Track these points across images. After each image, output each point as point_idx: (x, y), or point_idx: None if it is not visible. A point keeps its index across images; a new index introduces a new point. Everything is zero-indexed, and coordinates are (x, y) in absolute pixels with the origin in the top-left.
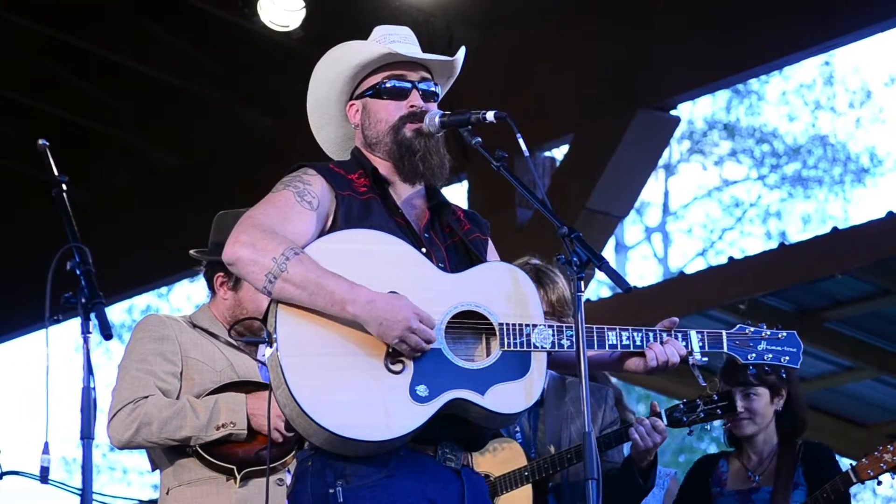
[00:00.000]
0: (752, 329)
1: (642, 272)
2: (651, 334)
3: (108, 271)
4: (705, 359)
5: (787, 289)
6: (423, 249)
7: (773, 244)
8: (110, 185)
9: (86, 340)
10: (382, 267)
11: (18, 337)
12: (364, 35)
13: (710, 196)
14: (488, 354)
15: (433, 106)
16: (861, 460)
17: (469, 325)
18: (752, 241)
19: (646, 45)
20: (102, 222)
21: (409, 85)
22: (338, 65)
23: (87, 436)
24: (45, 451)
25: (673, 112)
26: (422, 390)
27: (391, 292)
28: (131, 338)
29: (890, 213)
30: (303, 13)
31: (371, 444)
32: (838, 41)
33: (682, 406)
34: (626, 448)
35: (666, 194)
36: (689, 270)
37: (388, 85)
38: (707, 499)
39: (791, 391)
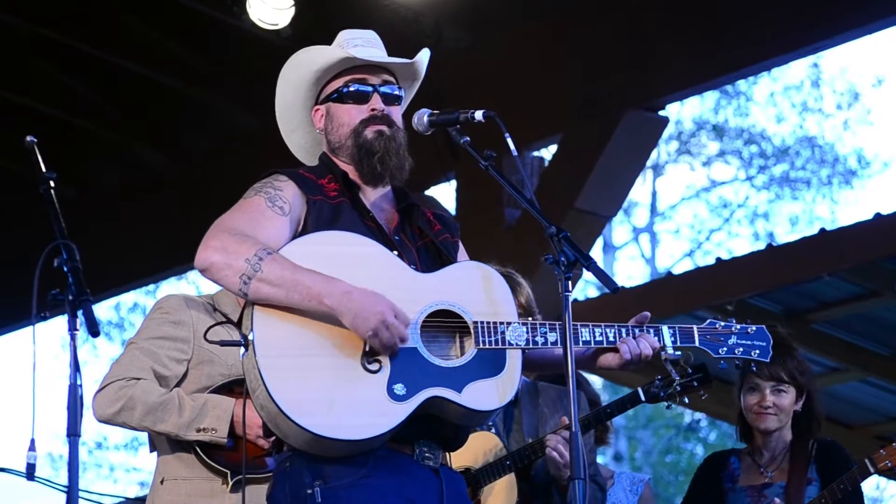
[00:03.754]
0: (723, 324)
1: (630, 272)
2: (623, 330)
3: (96, 268)
4: (678, 353)
5: (774, 290)
6: (395, 252)
7: (761, 245)
8: (98, 183)
9: (73, 337)
10: (356, 268)
11: (5, 333)
12: None
13: (697, 197)
14: (463, 353)
15: (395, 109)
16: (879, 451)
17: (444, 323)
18: (739, 242)
19: (634, 45)
20: (90, 220)
21: (370, 88)
22: (300, 70)
23: (73, 433)
24: (32, 448)
25: (661, 113)
26: (399, 389)
27: None
28: (148, 314)
29: (877, 215)
30: (291, 11)
31: (350, 444)
32: (826, 43)
33: (657, 381)
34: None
35: (654, 195)
36: (677, 271)
37: (349, 89)
38: (719, 494)
39: (811, 392)
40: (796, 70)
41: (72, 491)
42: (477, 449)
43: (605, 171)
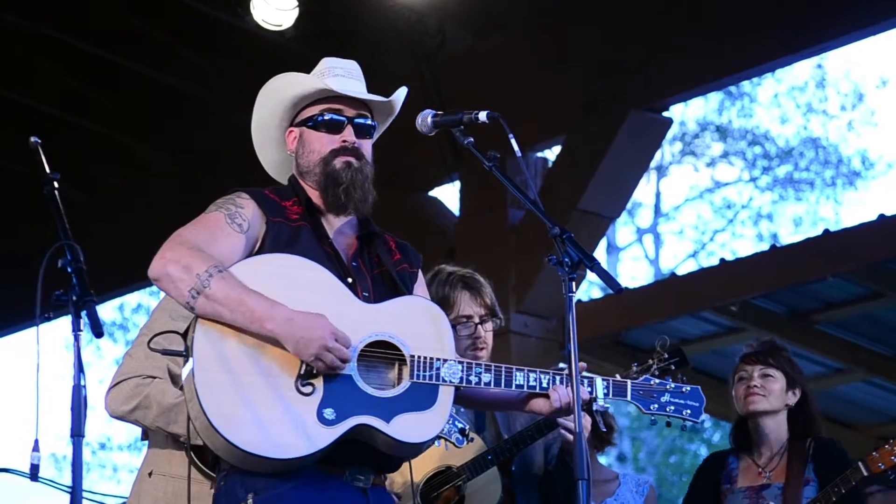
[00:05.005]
0: (657, 381)
1: (633, 273)
2: (557, 377)
3: (100, 269)
4: (607, 405)
5: (778, 290)
6: (350, 279)
7: (765, 246)
8: (102, 184)
9: (76, 338)
10: (301, 291)
11: (9, 335)
12: (353, 37)
13: (701, 198)
14: (398, 385)
15: (366, 142)
16: (872, 453)
17: (382, 354)
18: (743, 243)
19: (638, 46)
20: (94, 220)
21: (343, 119)
22: (278, 94)
23: (77, 433)
24: (36, 448)
25: (665, 114)
26: (329, 413)
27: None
28: (159, 306)
29: (881, 216)
30: (296, 12)
31: (275, 462)
32: (830, 44)
33: (635, 367)
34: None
35: (657, 196)
36: (681, 272)
37: (324, 118)
38: (717, 496)
39: (806, 391)
40: (800, 71)
41: (75, 491)
42: (457, 449)
43: (608, 172)
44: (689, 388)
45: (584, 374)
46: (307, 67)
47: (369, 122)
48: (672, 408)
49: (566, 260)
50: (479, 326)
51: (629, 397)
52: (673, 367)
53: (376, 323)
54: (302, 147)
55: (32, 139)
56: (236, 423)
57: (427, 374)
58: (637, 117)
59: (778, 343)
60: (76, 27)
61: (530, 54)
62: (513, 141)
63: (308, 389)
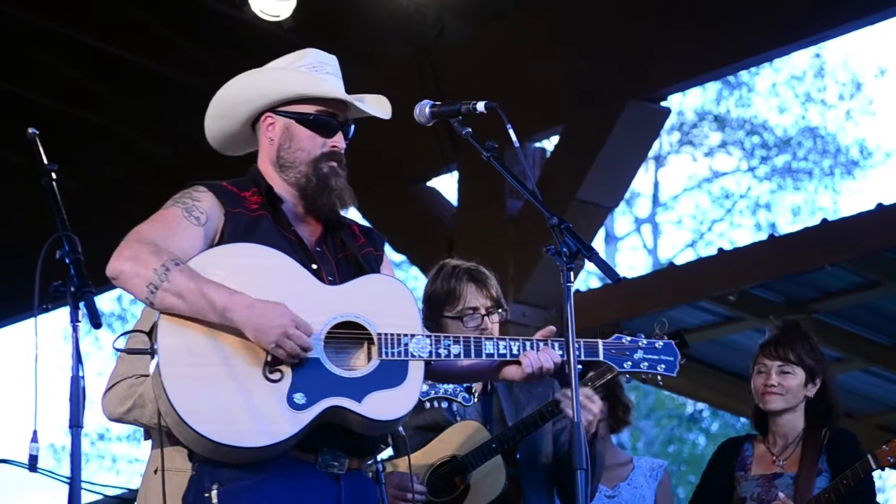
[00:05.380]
0: (629, 339)
1: (632, 263)
2: (528, 343)
3: (98, 260)
4: (580, 367)
5: (776, 280)
6: (314, 265)
7: (763, 236)
8: (100, 175)
9: (75, 329)
10: (262, 280)
11: (7, 326)
12: (351, 28)
13: (699, 187)
14: (368, 364)
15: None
16: (882, 447)
17: (349, 335)
18: (741, 233)
19: (636, 36)
20: (92, 211)
21: (336, 124)
22: (274, 83)
23: (75, 424)
24: (34, 439)
25: (663, 103)
26: (299, 398)
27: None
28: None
29: (879, 206)
30: (293, 3)
31: (249, 451)
32: (829, 33)
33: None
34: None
35: (656, 185)
36: (679, 261)
37: (319, 119)
38: (731, 482)
39: (826, 380)
40: (798, 60)
41: (74, 482)
42: (461, 437)
43: (606, 161)
44: (662, 344)
45: (554, 338)
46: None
47: (352, 128)
48: (646, 364)
49: (564, 250)
50: (486, 318)
51: (601, 356)
52: None
53: (341, 304)
54: (289, 141)
55: (30, 130)
56: (206, 415)
57: (395, 350)
58: (635, 107)
59: (801, 330)
60: (76, 19)
61: (528, 44)
62: (511, 131)
63: (276, 376)
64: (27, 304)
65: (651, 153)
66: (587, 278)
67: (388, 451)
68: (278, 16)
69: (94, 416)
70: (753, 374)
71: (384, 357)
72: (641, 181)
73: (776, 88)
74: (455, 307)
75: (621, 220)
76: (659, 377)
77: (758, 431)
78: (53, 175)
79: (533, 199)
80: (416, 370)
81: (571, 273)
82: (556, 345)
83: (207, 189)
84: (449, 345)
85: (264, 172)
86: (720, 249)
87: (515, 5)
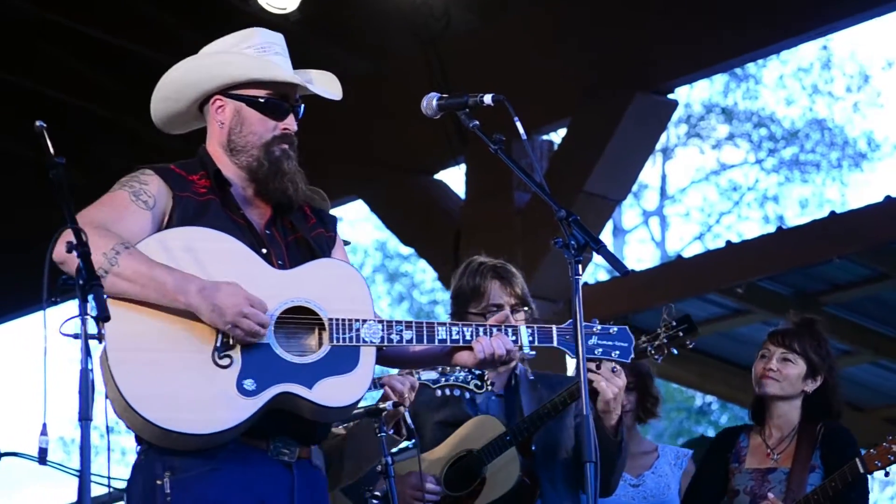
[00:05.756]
0: (583, 324)
1: (640, 256)
2: (481, 329)
3: None
4: (533, 353)
5: (784, 273)
6: (264, 249)
7: (771, 228)
8: (107, 167)
9: (83, 323)
10: (211, 264)
11: (16, 318)
12: (356, 21)
13: (707, 180)
14: (319, 350)
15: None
16: (870, 451)
17: (300, 320)
18: (749, 225)
19: (643, 28)
20: None
21: (287, 106)
22: (230, 67)
23: (85, 417)
24: (44, 432)
25: (670, 96)
26: (249, 384)
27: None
28: None
29: (888, 198)
30: None
31: (197, 438)
32: (836, 25)
33: (644, 337)
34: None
35: (663, 178)
36: (687, 254)
37: (270, 102)
38: (725, 474)
39: (829, 379)
40: (806, 52)
41: (84, 475)
42: (477, 431)
43: (614, 154)
44: (616, 329)
45: (508, 324)
46: (312, 51)
47: (302, 107)
48: (600, 350)
49: (572, 243)
50: (510, 315)
51: (555, 343)
52: (681, 335)
53: (291, 289)
54: (240, 125)
55: (37, 123)
56: (154, 401)
57: (347, 335)
58: (642, 99)
59: (814, 327)
60: (81, 11)
61: (535, 37)
62: (518, 124)
63: (226, 361)
64: (36, 297)
65: (658, 146)
66: (595, 271)
67: (402, 443)
68: (285, 8)
69: (103, 409)
70: (757, 360)
71: (335, 342)
72: (649, 174)
73: (783, 80)
74: (480, 304)
75: (629, 212)
76: (656, 357)
77: (754, 421)
78: (61, 168)
79: (540, 192)
80: (367, 356)
81: (579, 266)
82: (510, 330)
83: (155, 172)
84: (401, 330)
85: (213, 155)
86: (728, 242)
87: None
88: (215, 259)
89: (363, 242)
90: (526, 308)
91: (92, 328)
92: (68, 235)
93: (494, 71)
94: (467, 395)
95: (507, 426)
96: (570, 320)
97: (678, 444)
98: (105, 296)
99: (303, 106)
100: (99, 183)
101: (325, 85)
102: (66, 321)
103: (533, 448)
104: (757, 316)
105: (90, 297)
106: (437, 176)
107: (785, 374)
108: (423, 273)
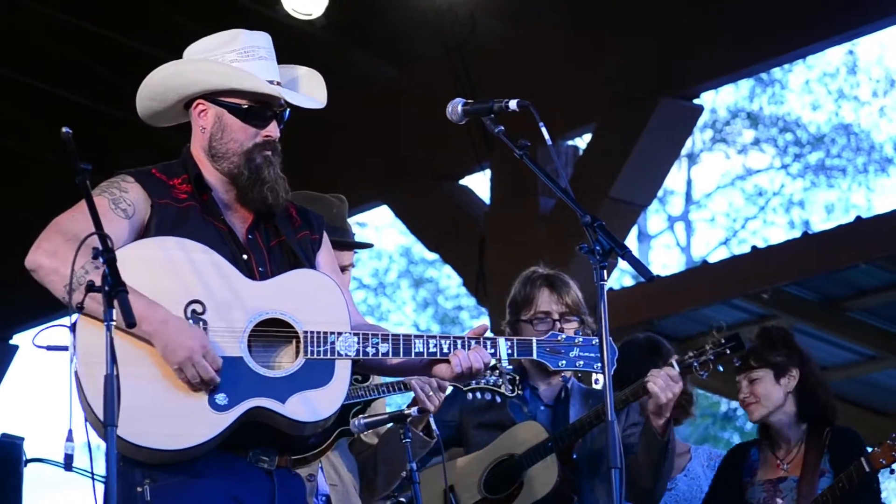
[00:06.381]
0: (564, 336)
1: (665, 261)
2: (459, 342)
3: None
4: (510, 366)
5: (810, 278)
6: (245, 255)
7: (797, 233)
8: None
9: (109, 328)
10: (185, 275)
11: (42, 324)
12: (382, 27)
13: (733, 185)
14: (294, 362)
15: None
16: (874, 449)
17: (275, 333)
18: (775, 231)
19: (669, 33)
20: None
21: (269, 114)
22: (210, 76)
23: (110, 423)
24: (69, 438)
25: (696, 101)
26: (221, 399)
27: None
28: None
29: None
30: (326, 2)
31: (168, 453)
32: (862, 30)
33: (691, 353)
34: None
35: (689, 183)
36: (712, 259)
37: (252, 110)
38: (738, 489)
39: (804, 371)
40: (832, 57)
41: (110, 481)
42: (522, 436)
43: (639, 159)
44: (597, 341)
45: (488, 335)
46: (337, 57)
47: (288, 113)
48: (582, 362)
49: (597, 248)
50: (558, 323)
51: (535, 355)
52: (728, 353)
53: (266, 300)
54: (221, 131)
55: (64, 130)
56: (125, 416)
57: (321, 349)
58: (668, 105)
59: (765, 335)
60: (105, 17)
61: (560, 42)
62: (543, 129)
63: None
64: (62, 302)
65: (684, 151)
66: (620, 276)
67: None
68: (310, 14)
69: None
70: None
71: (309, 356)
72: (674, 179)
73: (809, 85)
74: (529, 311)
75: (654, 218)
76: (701, 373)
77: (762, 438)
78: (87, 174)
79: (565, 198)
80: (343, 369)
81: (604, 271)
82: (489, 343)
83: (134, 179)
84: (377, 343)
85: (196, 157)
86: (754, 247)
87: (547, 3)
88: (190, 269)
89: (388, 248)
90: (580, 318)
91: (62, 341)
92: (44, 243)
93: (519, 76)
94: (514, 401)
95: (549, 432)
96: (551, 332)
97: None
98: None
99: (288, 111)
100: None
101: (311, 90)
102: (40, 332)
103: (574, 457)
104: (783, 321)
105: (116, 304)
106: (463, 181)
107: (757, 392)
108: (448, 279)
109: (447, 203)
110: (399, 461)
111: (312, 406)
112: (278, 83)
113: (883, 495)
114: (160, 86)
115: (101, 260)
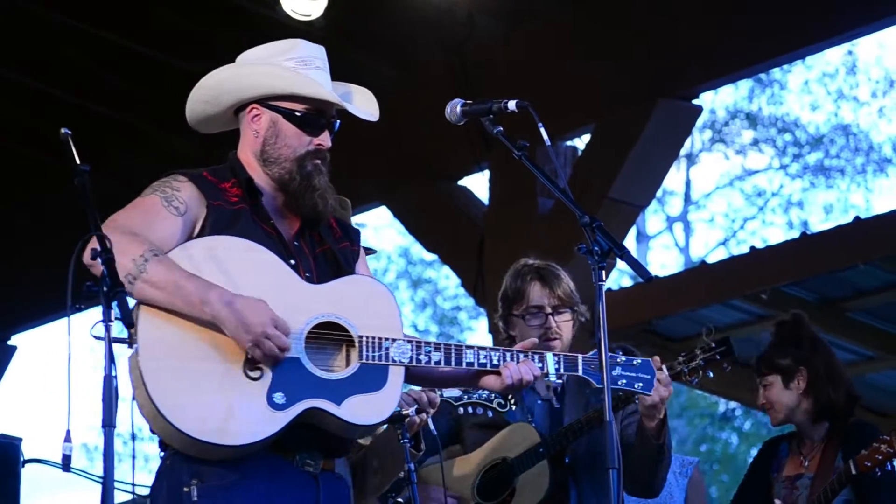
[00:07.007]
0: (608, 355)
1: (664, 261)
2: (508, 354)
3: None
4: (560, 380)
5: (808, 278)
6: (292, 260)
7: (795, 234)
8: (132, 175)
9: (107, 329)
10: (244, 274)
11: (40, 325)
12: (381, 28)
13: (731, 185)
14: (347, 366)
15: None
16: (861, 451)
17: (330, 336)
18: (773, 231)
19: (668, 34)
20: (117, 209)
21: (323, 123)
22: (270, 79)
23: (108, 424)
24: (67, 439)
25: (695, 101)
26: (279, 398)
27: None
28: None
29: None
30: (324, 3)
31: (226, 449)
32: (861, 30)
33: (681, 358)
34: None
35: (688, 184)
36: (711, 260)
37: (307, 117)
38: (767, 485)
39: (811, 371)
40: (831, 57)
41: (107, 482)
42: (512, 440)
43: (638, 160)
44: (639, 361)
45: (535, 350)
46: (337, 59)
47: (338, 124)
48: (623, 381)
49: (596, 249)
50: (551, 317)
51: (580, 372)
52: (718, 357)
53: (322, 304)
54: (275, 136)
55: (63, 130)
56: (185, 410)
57: (376, 354)
58: (667, 105)
59: (778, 332)
60: (105, 17)
61: (559, 43)
62: (542, 130)
63: (256, 374)
64: (60, 303)
65: (683, 151)
66: (619, 277)
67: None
68: (310, 15)
69: (126, 416)
70: None
71: (364, 360)
72: (673, 179)
73: (808, 86)
74: (521, 306)
75: (653, 218)
76: (691, 379)
77: (793, 433)
78: (86, 175)
79: (564, 198)
80: (396, 375)
81: (603, 272)
82: (536, 357)
83: (188, 179)
84: (430, 351)
85: (245, 162)
86: (752, 248)
87: (546, 4)
88: (247, 269)
89: (387, 248)
90: (573, 310)
91: (121, 332)
92: (93, 242)
93: (518, 77)
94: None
95: (541, 436)
96: (594, 350)
97: (701, 450)
98: (136, 301)
99: (338, 122)
100: (124, 190)
101: (363, 104)
102: (97, 324)
103: (567, 460)
104: None
105: (114, 304)
106: (461, 182)
107: (771, 399)
108: (447, 279)
109: (446, 204)
110: (390, 465)
111: (366, 410)
112: None
113: None
114: (216, 89)
115: (98, 260)
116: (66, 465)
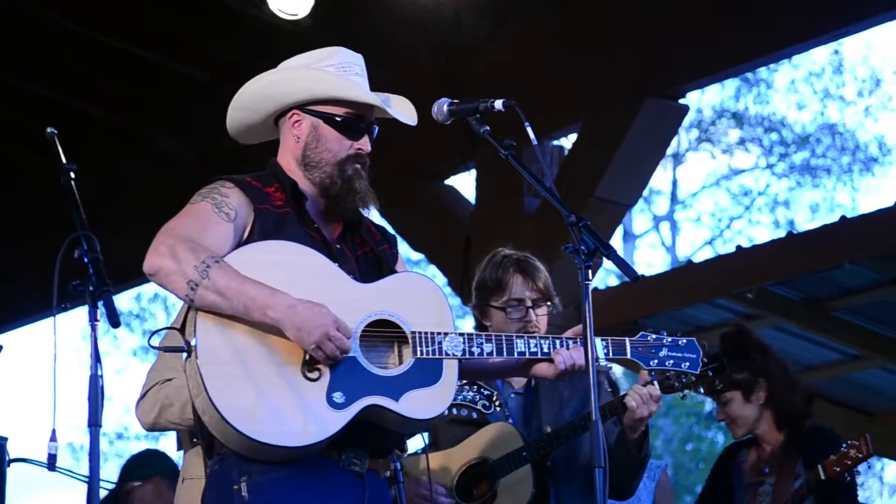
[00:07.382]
0: (654, 336)
1: (650, 261)
2: (558, 341)
3: (116, 259)
4: (610, 365)
5: (794, 277)
6: (336, 262)
7: (782, 233)
8: (118, 174)
9: (93, 328)
10: (298, 277)
11: (26, 325)
12: (367, 27)
13: (718, 185)
14: (401, 362)
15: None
16: (830, 457)
17: (382, 333)
18: (760, 230)
19: (654, 33)
20: (111, 211)
21: (363, 127)
22: (311, 83)
23: (94, 423)
24: (53, 438)
25: (681, 101)
26: (338, 397)
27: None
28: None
29: None
30: (311, 2)
31: (290, 450)
32: (848, 29)
33: (672, 371)
34: None
35: (674, 183)
36: (697, 259)
37: (347, 121)
38: (728, 491)
39: (770, 382)
40: (817, 56)
41: (93, 481)
42: (494, 440)
43: (625, 159)
44: (685, 341)
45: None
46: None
47: (377, 130)
48: (671, 362)
49: (582, 248)
50: (531, 310)
51: (629, 355)
52: (710, 374)
53: (374, 302)
54: (316, 140)
55: (49, 130)
56: (248, 413)
57: (430, 348)
58: (653, 104)
59: (725, 349)
60: (96, 18)
61: (546, 42)
62: (529, 129)
63: (315, 375)
64: (46, 303)
65: (669, 150)
66: (605, 276)
67: (415, 447)
68: (296, 14)
69: (112, 415)
70: None
71: (419, 355)
72: (660, 178)
73: (795, 85)
74: (501, 297)
75: (639, 217)
76: (683, 393)
77: (752, 440)
78: (72, 174)
79: (551, 197)
80: (450, 368)
81: (589, 271)
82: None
83: (235, 185)
84: (482, 343)
85: (286, 168)
86: (738, 247)
87: (533, 3)
88: (301, 273)
89: None
90: (549, 303)
91: (178, 341)
92: (161, 247)
93: (505, 76)
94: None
95: (525, 440)
96: (642, 332)
97: (687, 449)
98: (194, 307)
99: (377, 128)
100: (111, 190)
101: (401, 109)
102: (154, 333)
103: (549, 464)
104: (767, 321)
105: (100, 303)
106: (448, 181)
107: (731, 415)
108: (434, 278)
109: (432, 203)
110: None
111: (424, 404)
112: None
113: (866, 494)
114: (257, 95)
115: (84, 259)
116: (51, 464)
